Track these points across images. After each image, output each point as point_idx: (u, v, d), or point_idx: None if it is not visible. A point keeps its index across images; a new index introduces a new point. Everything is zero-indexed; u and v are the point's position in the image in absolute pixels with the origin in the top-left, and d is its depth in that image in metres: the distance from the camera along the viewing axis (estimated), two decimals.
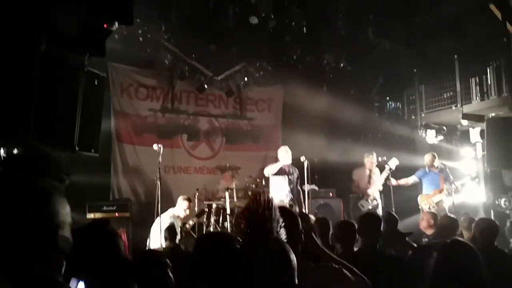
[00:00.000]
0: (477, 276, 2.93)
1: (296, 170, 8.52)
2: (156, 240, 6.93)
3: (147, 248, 7.19)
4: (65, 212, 1.35)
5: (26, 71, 3.97)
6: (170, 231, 6.20)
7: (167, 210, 7.72)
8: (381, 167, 9.28)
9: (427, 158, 9.25)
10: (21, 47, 3.99)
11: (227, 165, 9.17)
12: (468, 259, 2.97)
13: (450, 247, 3.11)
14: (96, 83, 4.70)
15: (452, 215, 6.11)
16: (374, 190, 9.22)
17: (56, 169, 1.37)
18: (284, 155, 8.41)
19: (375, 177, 9.27)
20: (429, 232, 6.20)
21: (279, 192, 8.36)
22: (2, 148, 4.23)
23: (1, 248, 1.23)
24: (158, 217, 7.04)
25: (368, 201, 9.20)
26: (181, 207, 7.79)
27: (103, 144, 5.28)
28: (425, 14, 10.21)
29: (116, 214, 8.44)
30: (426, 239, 6.03)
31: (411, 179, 9.29)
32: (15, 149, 1.39)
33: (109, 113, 9.47)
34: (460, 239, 3.25)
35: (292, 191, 8.41)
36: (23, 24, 4.00)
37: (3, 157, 1.41)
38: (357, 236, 4.27)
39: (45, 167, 1.36)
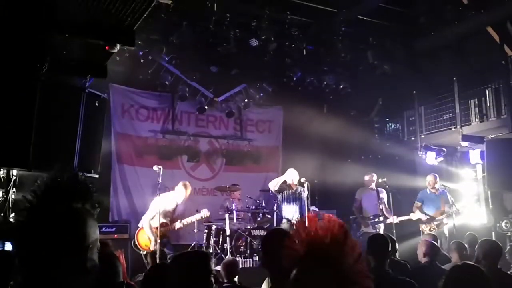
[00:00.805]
0: None
1: (305, 189, 8.34)
2: (151, 215, 7.33)
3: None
4: (95, 236, 1.45)
5: (28, 93, 4.00)
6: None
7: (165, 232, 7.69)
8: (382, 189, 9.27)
9: (429, 179, 9.23)
10: (23, 70, 4.03)
11: (227, 186, 9.15)
12: (478, 283, 2.94)
13: (461, 270, 3.08)
14: (97, 104, 4.73)
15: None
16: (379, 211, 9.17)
17: (91, 196, 1.46)
18: (291, 174, 8.46)
19: (381, 199, 9.21)
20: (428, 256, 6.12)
21: (286, 210, 8.32)
22: (1, 169, 4.24)
23: (36, 265, 1.33)
24: (158, 196, 7.39)
25: (372, 225, 9.15)
26: (181, 192, 7.77)
27: (103, 165, 5.27)
28: (424, 37, 10.31)
29: (115, 235, 8.40)
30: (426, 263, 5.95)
31: (416, 215, 9.11)
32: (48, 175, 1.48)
33: (110, 134, 9.49)
34: (470, 262, 3.21)
35: (301, 209, 8.29)
36: (25, 47, 4.05)
37: (46, 180, 1.49)
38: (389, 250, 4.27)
39: (83, 194, 1.44)
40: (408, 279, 4.07)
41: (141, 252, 7.36)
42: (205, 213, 7.91)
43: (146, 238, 7.38)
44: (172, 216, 7.59)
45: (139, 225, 7.57)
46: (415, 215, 8.98)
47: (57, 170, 1.44)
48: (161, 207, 7.35)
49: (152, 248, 7.24)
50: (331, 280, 1.33)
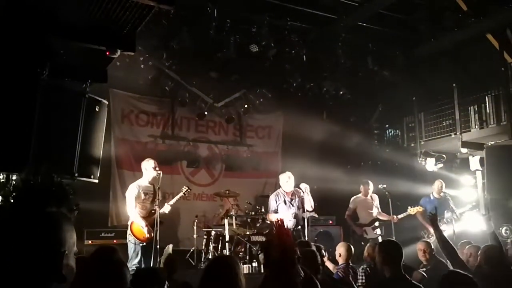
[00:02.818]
0: None
1: (300, 192, 8.07)
2: (131, 205, 7.14)
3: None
4: (72, 241, 1.38)
5: (28, 97, 4.01)
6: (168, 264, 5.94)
7: (165, 238, 7.58)
8: (381, 196, 9.24)
9: (436, 184, 9.26)
10: (23, 75, 4.04)
11: (227, 191, 9.14)
12: None
13: (448, 278, 3.12)
14: (97, 109, 4.74)
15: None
16: (376, 219, 9.16)
17: (67, 199, 1.40)
18: (284, 183, 8.09)
19: (375, 205, 9.22)
20: (425, 261, 6.16)
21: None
22: (1, 173, 4.23)
23: (8, 272, 1.26)
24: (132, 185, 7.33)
25: (372, 229, 9.14)
26: (146, 168, 7.45)
27: (102, 170, 5.26)
28: (424, 44, 10.35)
29: (114, 241, 8.35)
30: (424, 269, 5.97)
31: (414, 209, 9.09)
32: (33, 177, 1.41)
33: (110, 139, 9.48)
34: (458, 270, 3.26)
35: (296, 216, 8.13)
36: (26, 52, 4.06)
37: (18, 183, 1.42)
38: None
39: (58, 197, 1.39)
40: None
41: (141, 244, 7.11)
42: (185, 189, 7.78)
43: (139, 228, 7.14)
44: (154, 199, 7.34)
45: (129, 222, 7.31)
46: (412, 210, 8.96)
47: (29, 172, 1.39)
48: (135, 192, 7.18)
49: (147, 235, 7.09)
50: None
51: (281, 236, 1.84)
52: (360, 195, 9.40)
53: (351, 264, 6.19)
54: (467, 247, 5.86)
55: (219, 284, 2.50)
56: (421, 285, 4.03)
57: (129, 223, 7.24)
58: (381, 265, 4.18)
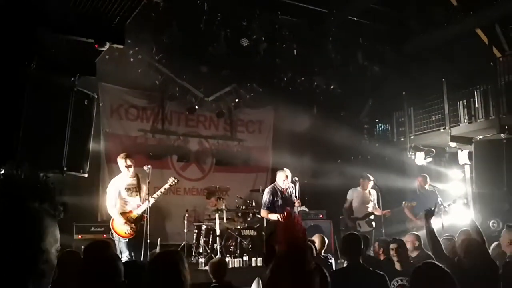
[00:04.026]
0: None
1: (293, 186, 8.01)
2: (112, 203, 7.05)
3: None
4: (53, 238, 1.35)
5: (16, 91, 3.96)
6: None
7: (155, 233, 7.53)
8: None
9: (418, 180, 9.32)
10: (11, 68, 3.99)
11: (217, 186, 9.13)
12: (442, 282, 3.01)
13: (422, 270, 3.16)
14: (86, 103, 4.70)
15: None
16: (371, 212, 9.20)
17: (50, 195, 1.38)
18: (282, 182, 7.89)
19: (372, 199, 9.24)
20: (414, 254, 6.17)
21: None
22: None
23: None
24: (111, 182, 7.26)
25: (366, 223, 9.19)
26: (121, 164, 7.22)
27: (91, 164, 5.23)
28: (414, 39, 10.39)
29: (104, 235, 8.30)
30: (412, 262, 6.00)
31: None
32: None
33: (99, 133, 9.41)
34: (434, 262, 3.28)
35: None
36: (13, 45, 4.01)
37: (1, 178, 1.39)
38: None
39: (40, 193, 1.36)
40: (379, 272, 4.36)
41: (124, 240, 7.04)
42: (172, 180, 7.54)
43: (119, 226, 7.05)
44: (139, 193, 7.18)
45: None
46: (408, 205, 9.04)
47: (11, 167, 1.35)
48: (115, 189, 7.07)
49: (127, 232, 6.93)
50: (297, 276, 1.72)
51: (290, 226, 1.80)
52: (358, 188, 9.43)
53: (323, 254, 6.42)
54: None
55: (162, 281, 2.49)
56: (377, 271, 4.32)
57: (110, 220, 7.17)
58: (341, 256, 4.51)
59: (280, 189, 7.90)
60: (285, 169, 8.04)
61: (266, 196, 7.88)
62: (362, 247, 4.57)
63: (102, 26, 4.28)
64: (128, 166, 7.10)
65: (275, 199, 7.83)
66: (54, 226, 1.37)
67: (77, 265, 4.29)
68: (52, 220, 1.36)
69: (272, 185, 8.11)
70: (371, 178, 9.26)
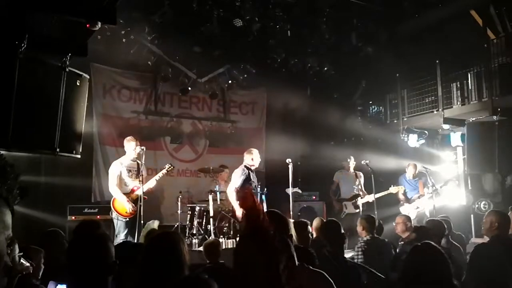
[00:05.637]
0: (446, 277, 3.04)
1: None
2: (114, 182, 7.29)
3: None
4: (3, 224, 1.27)
5: (6, 72, 3.91)
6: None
7: (149, 215, 7.59)
8: (364, 171, 9.33)
9: (409, 169, 9.56)
10: (0, 48, 3.93)
11: (211, 167, 9.13)
12: (436, 261, 3.08)
13: (420, 250, 3.23)
14: (78, 83, 4.64)
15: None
16: (357, 194, 9.26)
17: (5, 178, 1.30)
18: (255, 158, 8.19)
19: (357, 182, 9.30)
20: (405, 235, 6.21)
21: None
22: None
23: None
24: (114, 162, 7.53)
25: (352, 205, 9.26)
26: (128, 147, 7.55)
27: (85, 145, 5.20)
28: (408, 20, 10.33)
29: (98, 216, 8.32)
30: (402, 242, 6.07)
31: (395, 189, 9.29)
32: None
33: (92, 115, 9.35)
34: (431, 242, 3.35)
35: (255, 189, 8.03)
36: (3, 25, 3.94)
37: None
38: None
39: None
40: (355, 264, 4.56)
41: (125, 219, 7.22)
42: (168, 166, 7.86)
43: (121, 204, 7.22)
44: (138, 175, 7.37)
45: (112, 198, 7.37)
46: (394, 189, 9.12)
47: None
48: (118, 170, 7.33)
49: (129, 210, 7.15)
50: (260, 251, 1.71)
51: (248, 202, 1.83)
52: (344, 170, 9.54)
53: None
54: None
55: (163, 261, 2.51)
56: (356, 262, 4.53)
57: (111, 200, 7.31)
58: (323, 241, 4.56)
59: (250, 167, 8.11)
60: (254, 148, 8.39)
61: (239, 177, 7.96)
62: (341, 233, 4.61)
63: (93, 5, 4.20)
64: (135, 149, 7.42)
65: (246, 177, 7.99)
66: (5, 211, 1.28)
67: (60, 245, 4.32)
68: (5, 205, 1.28)
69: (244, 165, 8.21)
70: (352, 158, 9.37)
